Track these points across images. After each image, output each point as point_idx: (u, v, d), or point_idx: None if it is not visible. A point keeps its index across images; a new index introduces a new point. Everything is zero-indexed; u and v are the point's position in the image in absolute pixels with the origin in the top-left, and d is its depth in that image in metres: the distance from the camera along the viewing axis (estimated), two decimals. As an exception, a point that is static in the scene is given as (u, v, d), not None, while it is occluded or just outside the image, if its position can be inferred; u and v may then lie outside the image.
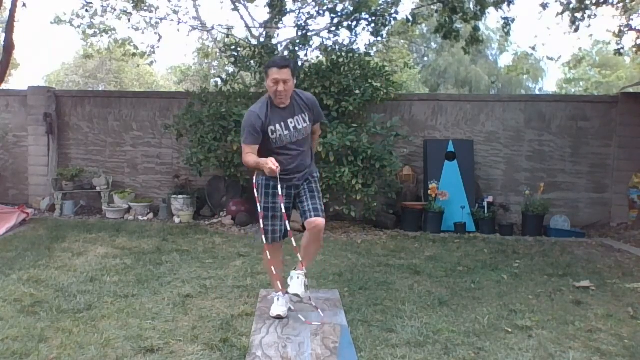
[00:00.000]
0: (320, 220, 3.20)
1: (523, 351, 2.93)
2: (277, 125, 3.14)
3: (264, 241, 3.28)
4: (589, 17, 8.02)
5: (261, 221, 3.29)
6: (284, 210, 3.18)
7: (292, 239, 3.19)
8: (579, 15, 7.94)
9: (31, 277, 4.12)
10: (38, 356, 2.73)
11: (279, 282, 3.40)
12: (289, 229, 3.20)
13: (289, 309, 3.36)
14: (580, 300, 3.88)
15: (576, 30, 8.16)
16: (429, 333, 3.13)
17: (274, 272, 3.35)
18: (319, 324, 3.18)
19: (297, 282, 3.25)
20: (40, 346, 2.84)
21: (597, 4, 7.63)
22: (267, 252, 3.31)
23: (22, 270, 4.30)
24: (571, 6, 7.79)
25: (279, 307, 3.30)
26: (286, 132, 3.16)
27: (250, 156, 3.13)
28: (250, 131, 3.11)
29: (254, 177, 3.34)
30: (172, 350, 2.83)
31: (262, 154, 3.15)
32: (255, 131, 3.10)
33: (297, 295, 3.24)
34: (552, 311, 3.63)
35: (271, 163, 2.99)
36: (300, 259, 3.29)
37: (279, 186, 3.15)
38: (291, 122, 3.17)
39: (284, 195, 3.21)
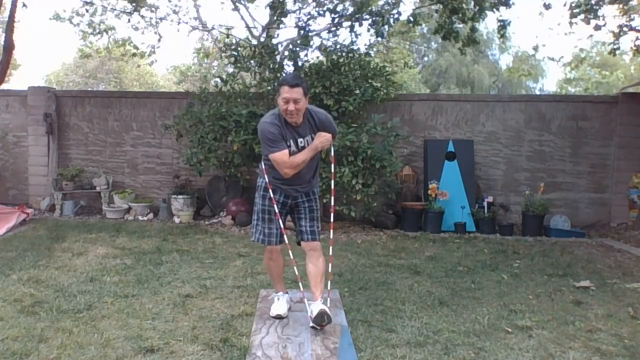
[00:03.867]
0: (316, 243, 3.28)
1: (523, 351, 2.93)
2: (289, 142, 3.10)
3: (252, 238, 3.35)
4: (599, 17, 7.96)
5: (254, 219, 3.33)
6: (277, 211, 3.20)
7: (285, 236, 3.28)
8: (590, 15, 7.87)
9: (31, 277, 4.12)
10: (38, 356, 2.73)
11: (279, 283, 3.42)
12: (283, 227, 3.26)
13: (289, 309, 3.36)
14: (580, 300, 3.88)
15: (597, 28, 8.03)
16: (429, 333, 3.13)
17: (274, 273, 3.40)
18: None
19: (318, 306, 3.10)
20: (40, 346, 2.84)
21: (604, 3, 7.57)
22: (267, 253, 3.36)
23: (22, 270, 4.30)
24: (582, 7, 7.70)
25: (279, 307, 3.31)
26: (294, 150, 3.11)
27: (292, 157, 3.06)
28: (273, 138, 3.04)
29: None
30: (172, 350, 2.83)
31: (268, 165, 3.18)
32: (279, 136, 3.05)
33: (323, 319, 3.05)
34: (552, 311, 3.63)
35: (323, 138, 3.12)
36: (312, 291, 3.17)
37: (275, 191, 3.20)
38: (301, 142, 3.14)
39: (280, 202, 3.24)
